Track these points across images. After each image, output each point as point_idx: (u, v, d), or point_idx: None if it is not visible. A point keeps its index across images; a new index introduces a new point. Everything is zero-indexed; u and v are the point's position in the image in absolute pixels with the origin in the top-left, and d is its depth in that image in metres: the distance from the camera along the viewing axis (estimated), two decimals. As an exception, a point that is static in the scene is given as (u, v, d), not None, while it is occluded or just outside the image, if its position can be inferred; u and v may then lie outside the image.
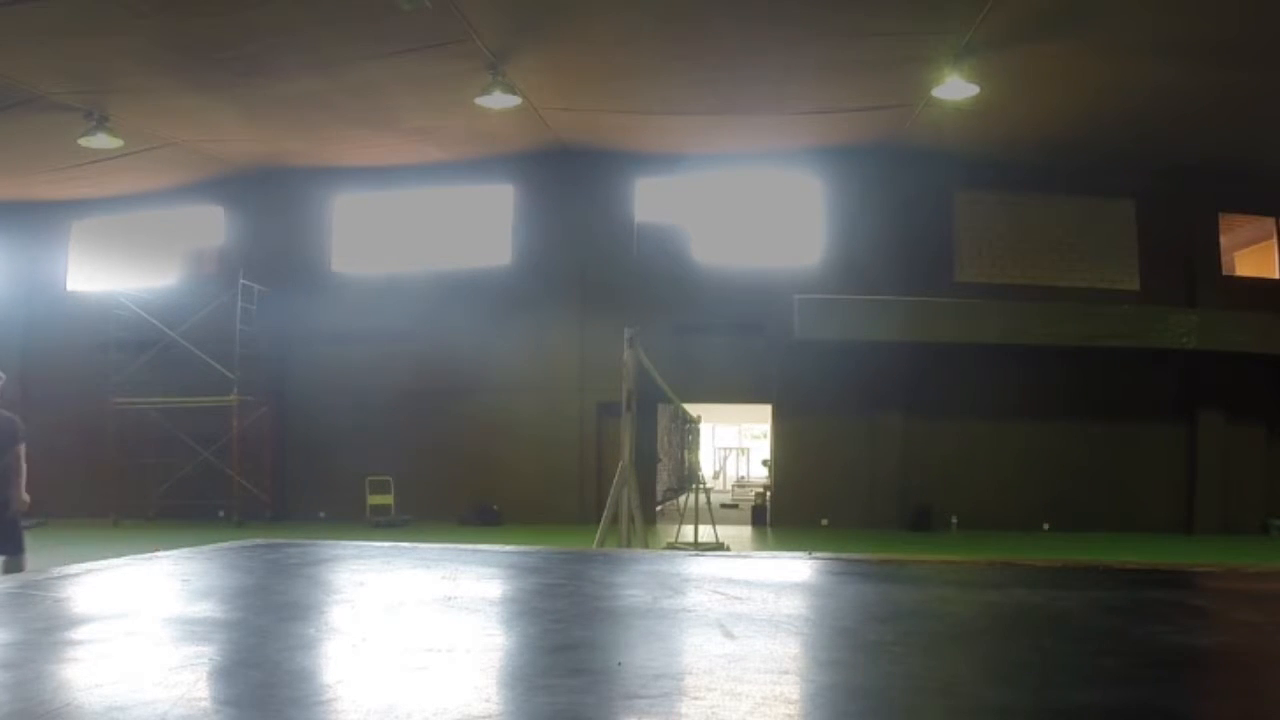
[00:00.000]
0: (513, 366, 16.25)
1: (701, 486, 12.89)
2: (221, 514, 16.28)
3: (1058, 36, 10.83)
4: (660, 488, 16.47)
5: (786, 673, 1.56)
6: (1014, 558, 3.41)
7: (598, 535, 8.30)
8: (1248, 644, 1.93)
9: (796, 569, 3.01)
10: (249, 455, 16.38)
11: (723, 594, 2.30)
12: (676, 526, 12.50)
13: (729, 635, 1.79)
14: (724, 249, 16.91)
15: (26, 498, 5.65)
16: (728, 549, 10.53)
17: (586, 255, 16.54)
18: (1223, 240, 16.72)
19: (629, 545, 8.08)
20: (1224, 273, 16.78)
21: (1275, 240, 17.03)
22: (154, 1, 9.95)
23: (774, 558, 3.53)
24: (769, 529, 16.10)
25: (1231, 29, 10.41)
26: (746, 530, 16.10)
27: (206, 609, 2.16)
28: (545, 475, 16.21)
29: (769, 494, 17.10)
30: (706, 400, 15.65)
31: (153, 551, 3.16)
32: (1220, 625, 2.17)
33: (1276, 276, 16.77)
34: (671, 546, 10.69)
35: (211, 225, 18.13)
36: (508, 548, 3.40)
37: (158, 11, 10.14)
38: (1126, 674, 1.58)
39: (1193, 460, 15.91)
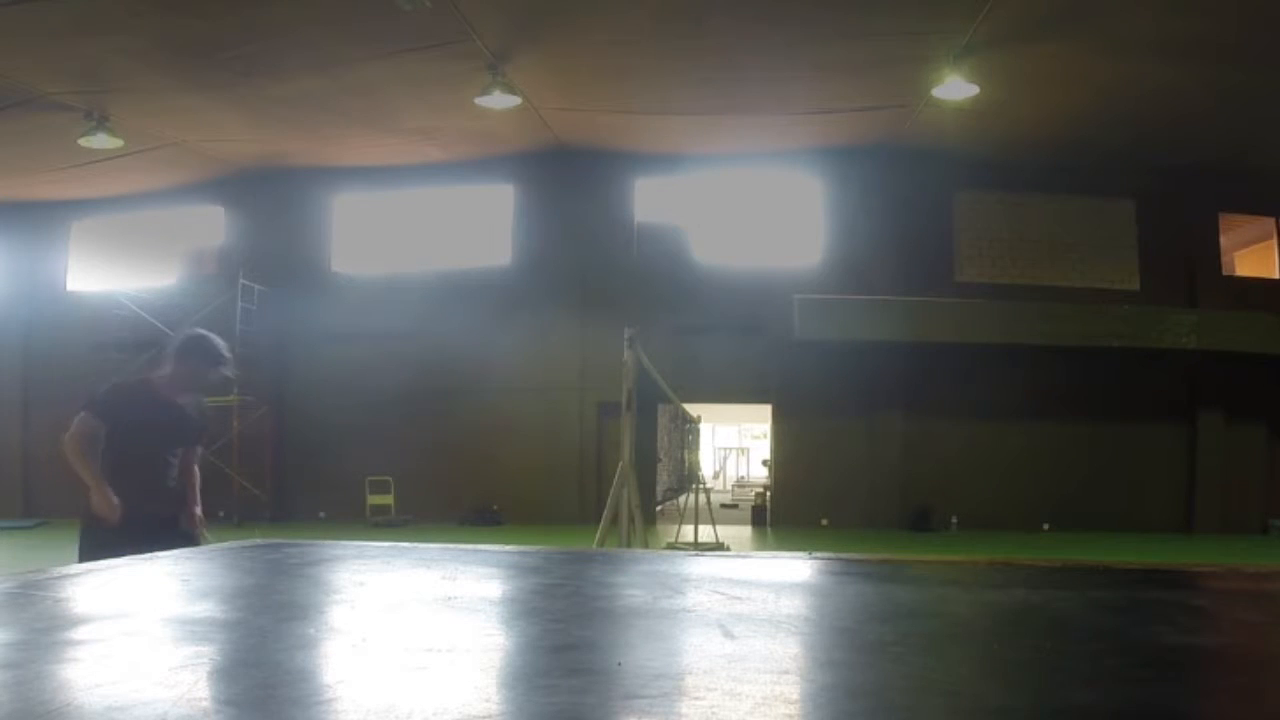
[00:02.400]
0: (513, 366, 16.26)
1: (701, 486, 12.89)
2: (221, 514, 16.24)
3: (1058, 36, 10.83)
4: (660, 488, 16.48)
5: (786, 673, 1.56)
6: (1014, 558, 3.41)
7: (598, 535, 8.29)
8: (1248, 644, 1.93)
9: (796, 569, 3.01)
10: (249, 455, 16.37)
11: (723, 594, 2.30)
12: (676, 526, 12.49)
13: (729, 635, 1.78)
14: (724, 249, 16.92)
15: (200, 512, 4.34)
16: (728, 549, 10.53)
17: (586, 255, 16.55)
18: (1223, 240, 16.74)
19: (629, 545, 8.08)
20: (1224, 273, 16.80)
21: (1275, 240, 17.04)
22: (154, 1, 9.96)
23: (774, 558, 3.52)
24: (769, 529, 16.10)
25: (1231, 29, 10.42)
26: (746, 530, 16.10)
27: (206, 609, 2.15)
28: (545, 475, 16.22)
29: (769, 494, 17.11)
30: (706, 400, 15.66)
31: (152, 552, 3.15)
32: (1220, 625, 2.16)
33: (1276, 276, 16.78)
34: (671, 546, 10.69)
35: (211, 225, 18.14)
36: (508, 548, 3.39)
37: (158, 11, 10.15)
38: (1126, 674, 1.58)
39: (1193, 460, 15.92)
